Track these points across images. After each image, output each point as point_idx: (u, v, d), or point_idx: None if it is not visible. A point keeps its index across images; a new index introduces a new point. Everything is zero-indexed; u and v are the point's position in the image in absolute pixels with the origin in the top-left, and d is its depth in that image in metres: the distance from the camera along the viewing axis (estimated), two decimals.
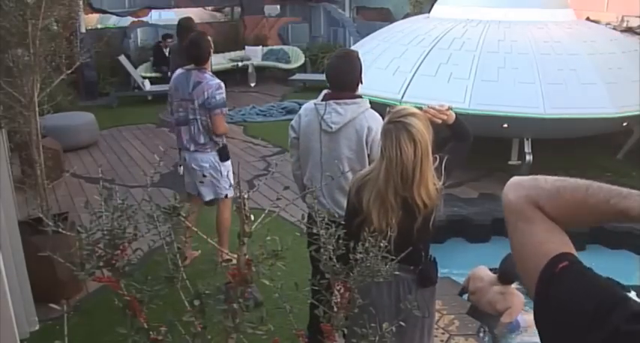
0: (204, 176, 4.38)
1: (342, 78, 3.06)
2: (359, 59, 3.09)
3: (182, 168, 6.81)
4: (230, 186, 4.40)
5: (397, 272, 2.48)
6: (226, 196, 4.47)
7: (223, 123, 4.38)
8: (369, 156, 3.03)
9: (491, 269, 4.37)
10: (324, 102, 3.06)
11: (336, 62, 3.10)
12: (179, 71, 4.43)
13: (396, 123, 2.28)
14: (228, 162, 4.54)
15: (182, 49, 6.28)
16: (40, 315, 3.80)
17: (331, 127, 3.03)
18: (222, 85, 4.33)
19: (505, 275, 4.14)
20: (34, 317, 3.77)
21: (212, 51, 4.48)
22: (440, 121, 2.54)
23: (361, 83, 3.11)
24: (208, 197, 4.50)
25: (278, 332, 1.46)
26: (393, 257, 1.65)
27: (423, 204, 2.33)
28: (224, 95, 4.31)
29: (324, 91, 3.17)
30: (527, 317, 4.15)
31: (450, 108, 2.63)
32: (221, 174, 4.39)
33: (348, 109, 3.01)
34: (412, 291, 2.52)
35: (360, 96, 3.08)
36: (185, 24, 6.59)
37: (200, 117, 4.28)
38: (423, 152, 2.27)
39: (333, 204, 3.11)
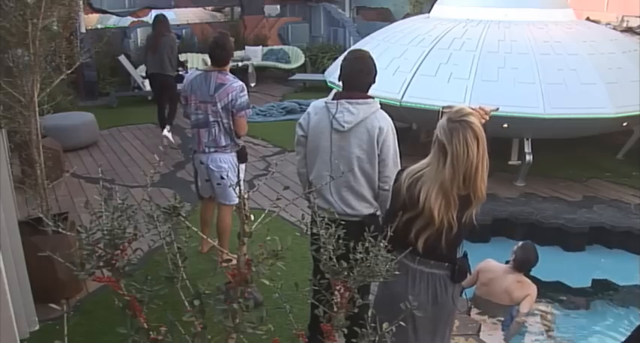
0: (222, 178, 4.35)
1: (357, 78, 3.09)
2: (373, 60, 3.12)
3: (165, 139, 7.18)
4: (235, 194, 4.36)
5: (434, 270, 2.53)
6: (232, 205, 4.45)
7: (246, 124, 4.40)
8: (379, 155, 3.05)
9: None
10: (335, 101, 3.08)
11: (352, 63, 3.12)
12: (196, 72, 4.39)
13: (460, 121, 2.36)
14: (244, 166, 4.55)
15: (154, 41, 7.84)
16: (40, 315, 3.80)
17: (343, 126, 3.05)
18: (245, 86, 4.35)
19: (522, 262, 4.18)
20: (34, 317, 3.77)
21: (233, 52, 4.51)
22: (484, 122, 2.62)
23: (373, 83, 3.14)
24: (225, 200, 4.49)
25: (278, 332, 1.46)
26: (393, 258, 1.64)
27: (479, 199, 2.42)
28: (247, 96, 4.32)
29: (334, 90, 3.19)
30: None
31: (496, 110, 2.81)
32: (237, 177, 4.36)
33: (361, 109, 3.04)
34: (447, 287, 2.58)
35: (371, 97, 3.11)
36: (162, 19, 7.97)
37: (222, 119, 4.26)
38: (484, 149, 2.39)
39: (341, 203, 3.13)
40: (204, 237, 1.91)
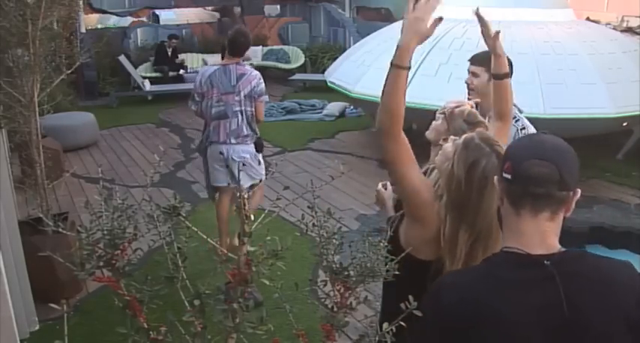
0: (243, 165, 4.48)
1: None
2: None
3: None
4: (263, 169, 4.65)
5: None
6: (260, 180, 4.61)
7: (263, 110, 4.64)
8: None
9: None
10: None
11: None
12: (213, 67, 4.53)
13: (478, 123, 2.40)
14: (260, 155, 4.72)
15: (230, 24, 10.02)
16: (40, 315, 3.80)
17: None
18: (260, 74, 4.62)
19: None
20: (34, 317, 3.77)
21: None
22: None
23: None
24: (247, 183, 4.47)
25: (278, 332, 1.45)
26: (393, 258, 1.64)
27: None
28: (263, 83, 4.58)
29: None
30: None
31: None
32: (259, 162, 4.59)
33: None
34: None
35: None
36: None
37: (246, 107, 4.46)
38: None
39: None
40: (204, 236, 1.90)
